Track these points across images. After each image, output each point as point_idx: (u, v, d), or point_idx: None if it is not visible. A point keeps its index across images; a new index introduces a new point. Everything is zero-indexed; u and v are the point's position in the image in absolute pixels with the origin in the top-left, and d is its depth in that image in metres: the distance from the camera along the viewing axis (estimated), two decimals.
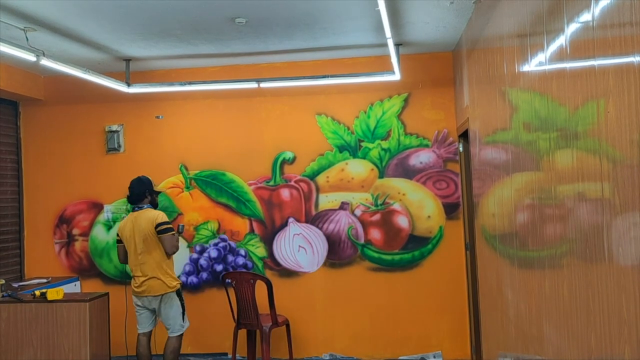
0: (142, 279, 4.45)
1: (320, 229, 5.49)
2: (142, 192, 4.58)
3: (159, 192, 4.79)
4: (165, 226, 4.45)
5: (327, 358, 5.30)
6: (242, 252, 5.61)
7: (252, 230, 5.60)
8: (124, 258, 4.60)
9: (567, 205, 2.07)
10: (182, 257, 5.67)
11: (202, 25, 4.30)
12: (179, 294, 4.54)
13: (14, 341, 4.25)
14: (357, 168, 5.48)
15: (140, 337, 4.58)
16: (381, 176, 5.44)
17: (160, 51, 4.98)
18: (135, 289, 4.50)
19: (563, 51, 2.03)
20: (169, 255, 4.52)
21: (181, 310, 4.55)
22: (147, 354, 4.56)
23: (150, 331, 4.62)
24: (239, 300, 4.93)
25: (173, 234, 4.49)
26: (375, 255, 5.43)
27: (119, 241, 4.61)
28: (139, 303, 4.55)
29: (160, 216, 4.49)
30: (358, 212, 5.45)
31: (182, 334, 4.56)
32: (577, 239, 1.96)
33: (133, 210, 4.59)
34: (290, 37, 4.68)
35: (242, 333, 5.19)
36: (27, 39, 4.23)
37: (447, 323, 5.35)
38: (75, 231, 5.81)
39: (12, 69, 5.29)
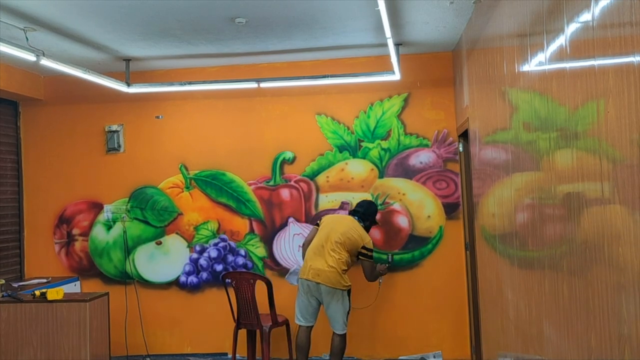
0: None
1: None
2: (372, 214, 5.01)
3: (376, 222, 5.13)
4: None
5: (327, 358, 5.30)
6: (242, 252, 5.61)
7: (252, 230, 5.60)
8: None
9: (567, 205, 2.07)
10: (182, 257, 5.67)
11: (202, 25, 4.30)
12: None
13: (14, 341, 4.25)
14: (357, 168, 5.47)
15: None
16: (381, 176, 5.44)
17: (160, 51, 4.98)
18: None
19: (563, 51, 2.02)
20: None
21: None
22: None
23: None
24: (239, 300, 4.93)
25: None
26: (375, 255, 5.42)
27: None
28: None
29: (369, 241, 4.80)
30: None
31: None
32: (577, 239, 1.96)
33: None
34: (290, 37, 4.68)
35: (242, 333, 5.18)
36: (27, 39, 4.23)
37: (447, 323, 5.35)
38: (75, 231, 5.81)
39: (12, 69, 5.29)
